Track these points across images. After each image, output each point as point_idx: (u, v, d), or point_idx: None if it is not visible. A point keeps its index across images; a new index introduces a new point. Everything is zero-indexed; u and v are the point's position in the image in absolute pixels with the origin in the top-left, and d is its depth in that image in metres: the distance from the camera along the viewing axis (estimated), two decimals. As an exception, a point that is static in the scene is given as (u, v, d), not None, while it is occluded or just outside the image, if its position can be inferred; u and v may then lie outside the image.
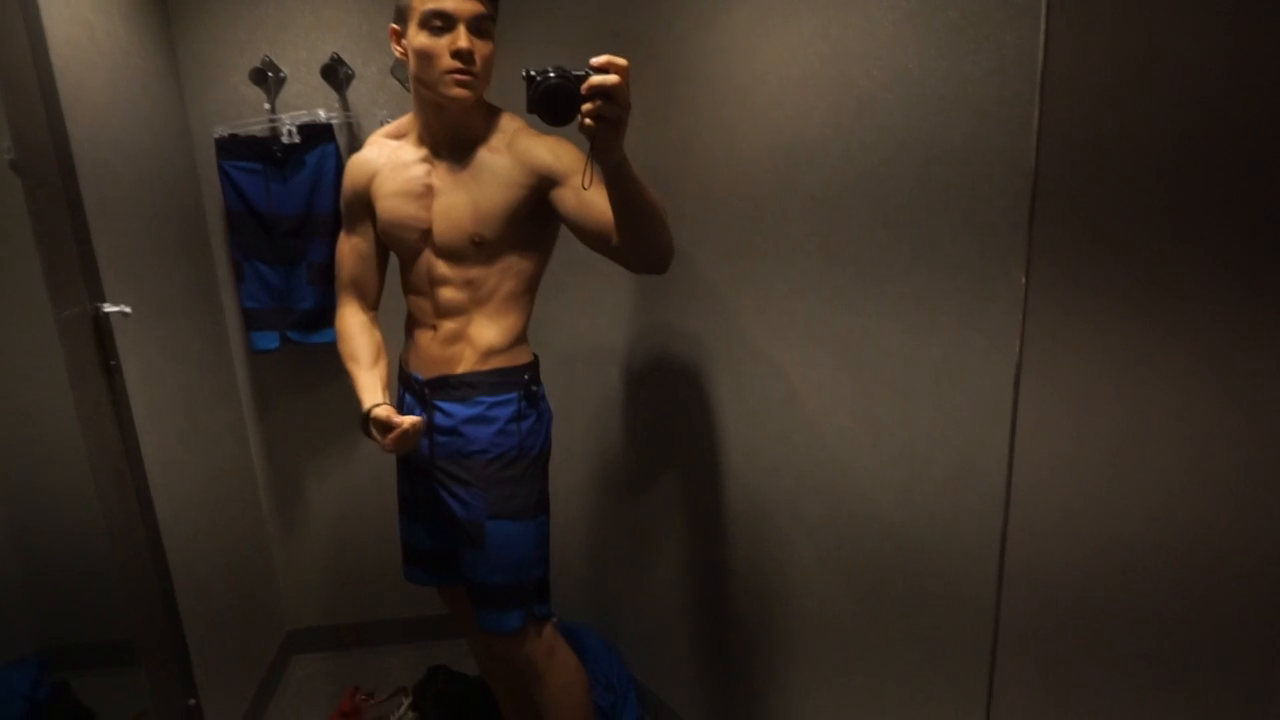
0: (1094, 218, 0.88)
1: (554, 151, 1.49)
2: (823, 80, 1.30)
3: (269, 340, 2.15)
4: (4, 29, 1.43)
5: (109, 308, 1.63)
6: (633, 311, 1.99)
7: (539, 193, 1.51)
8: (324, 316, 2.14)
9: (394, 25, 1.51)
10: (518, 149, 1.51)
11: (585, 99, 1.12)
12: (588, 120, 1.14)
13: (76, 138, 1.60)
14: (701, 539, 1.87)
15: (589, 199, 1.42)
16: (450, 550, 1.75)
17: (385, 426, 1.52)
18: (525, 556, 1.65)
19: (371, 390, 1.63)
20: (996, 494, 1.09)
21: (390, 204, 1.60)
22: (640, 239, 1.36)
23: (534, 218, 1.54)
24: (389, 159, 1.61)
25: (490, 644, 1.71)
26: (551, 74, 1.14)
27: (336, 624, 2.49)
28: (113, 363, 1.66)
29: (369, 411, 1.56)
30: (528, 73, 1.17)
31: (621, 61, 1.12)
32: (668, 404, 1.90)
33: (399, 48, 1.51)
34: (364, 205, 1.65)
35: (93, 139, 1.66)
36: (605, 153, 1.20)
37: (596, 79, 1.10)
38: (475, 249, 1.54)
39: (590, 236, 1.45)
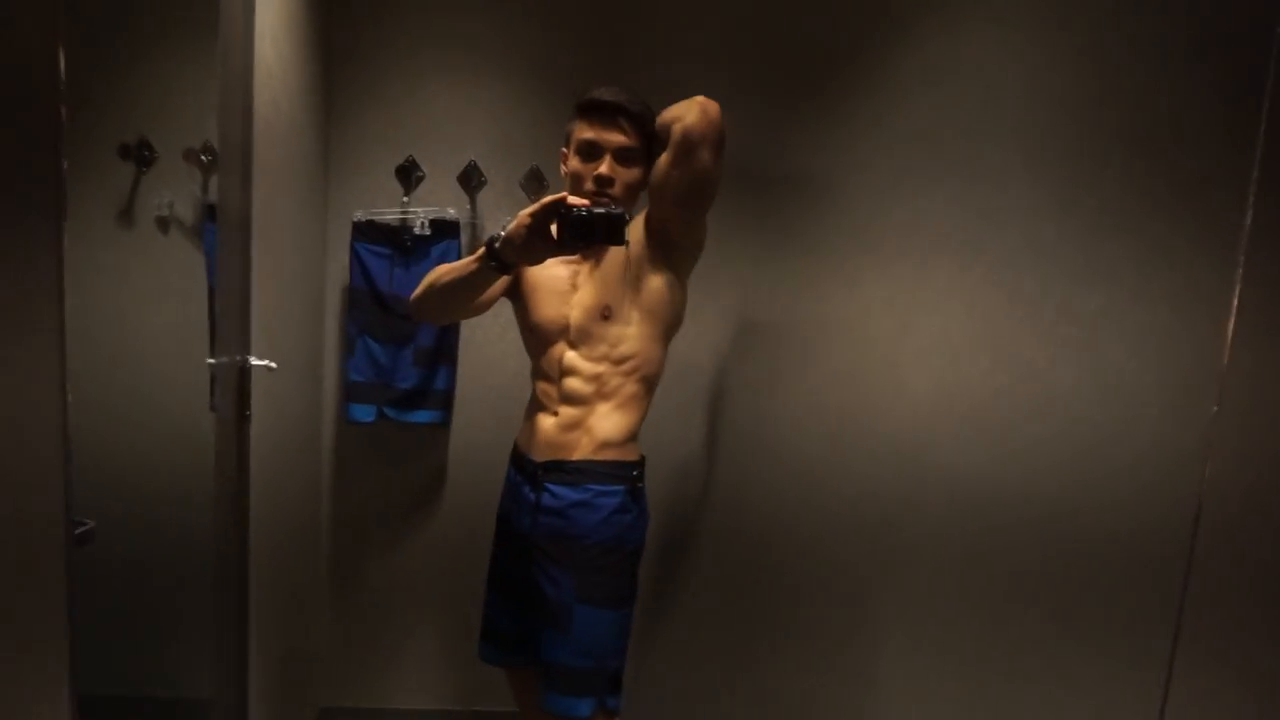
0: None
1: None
2: (953, 237, 1.47)
3: (366, 413, 2.25)
4: (229, 106, 1.61)
5: (255, 360, 1.74)
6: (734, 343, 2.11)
7: (653, 253, 1.67)
8: (422, 398, 2.25)
9: (563, 149, 1.71)
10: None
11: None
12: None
13: (255, 202, 1.75)
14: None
15: (653, 179, 1.62)
16: (531, 631, 1.78)
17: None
18: (607, 645, 1.70)
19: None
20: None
21: (537, 296, 1.74)
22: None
23: (654, 286, 1.68)
24: None
25: (553, 730, 1.72)
26: (582, 211, 1.45)
27: (374, 707, 2.45)
28: (247, 413, 1.75)
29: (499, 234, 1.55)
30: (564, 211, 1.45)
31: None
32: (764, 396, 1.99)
33: (565, 167, 1.70)
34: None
35: (264, 204, 1.81)
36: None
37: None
38: (603, 324, 1.67)
39: (666, 172, 1.59)
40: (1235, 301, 1.12)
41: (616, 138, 1.62)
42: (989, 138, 1.73)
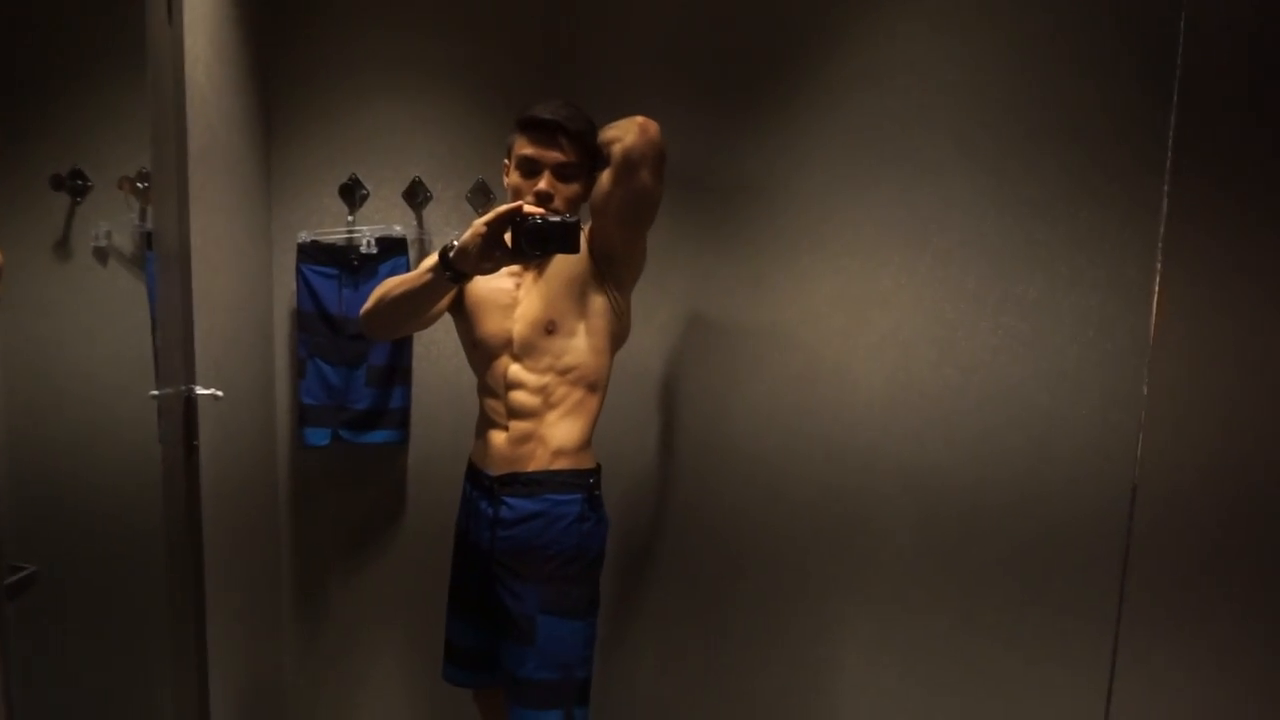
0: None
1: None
2: (898, 235, 1.50)
3: (321, 436, 2.22)
4: (161, 133, 1.58)
5: (201, 390, 1.71)
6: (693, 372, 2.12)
7: (595, 269, 1.68)
8: (377, 418, 2.23)
9: (505, 161, 1.71)
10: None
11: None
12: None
13: (194, 230, 1.73)
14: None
15: (594, 198, 1.64)
16: (493, 648, 1.78)
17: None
18: (573, 655, 1.69)
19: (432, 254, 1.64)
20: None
21: (480, 311, 1.74)
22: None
23: (598, 303, 1.69)
24: None
25: (524, 746, 1.71)
26: (537, 220, 1.47)
27: (342, 736, 2.42)
28: (195, 443, 1.72)
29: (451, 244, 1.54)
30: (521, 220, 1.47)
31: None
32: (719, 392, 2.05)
33: (506, 179, 1.70)
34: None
35: (203, 231, 1.79)
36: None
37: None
38: (548, 338, 1.67)
39: (607, 191, 1.61)
40: (1156, 284, 1.16)
41: (555, 155, 1.62)
42: (927, 135, 1.76)
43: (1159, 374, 1.21)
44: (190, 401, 1.70)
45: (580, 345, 1.69)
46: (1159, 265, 1.17)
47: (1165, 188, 1.13)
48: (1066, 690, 1.67)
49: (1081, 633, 1.57)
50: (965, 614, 1.79)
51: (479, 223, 1.49)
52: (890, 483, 1.87)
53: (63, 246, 1.74)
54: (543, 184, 1.62)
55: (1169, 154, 1.10)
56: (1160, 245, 1.14)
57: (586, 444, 1.75)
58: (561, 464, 1.70)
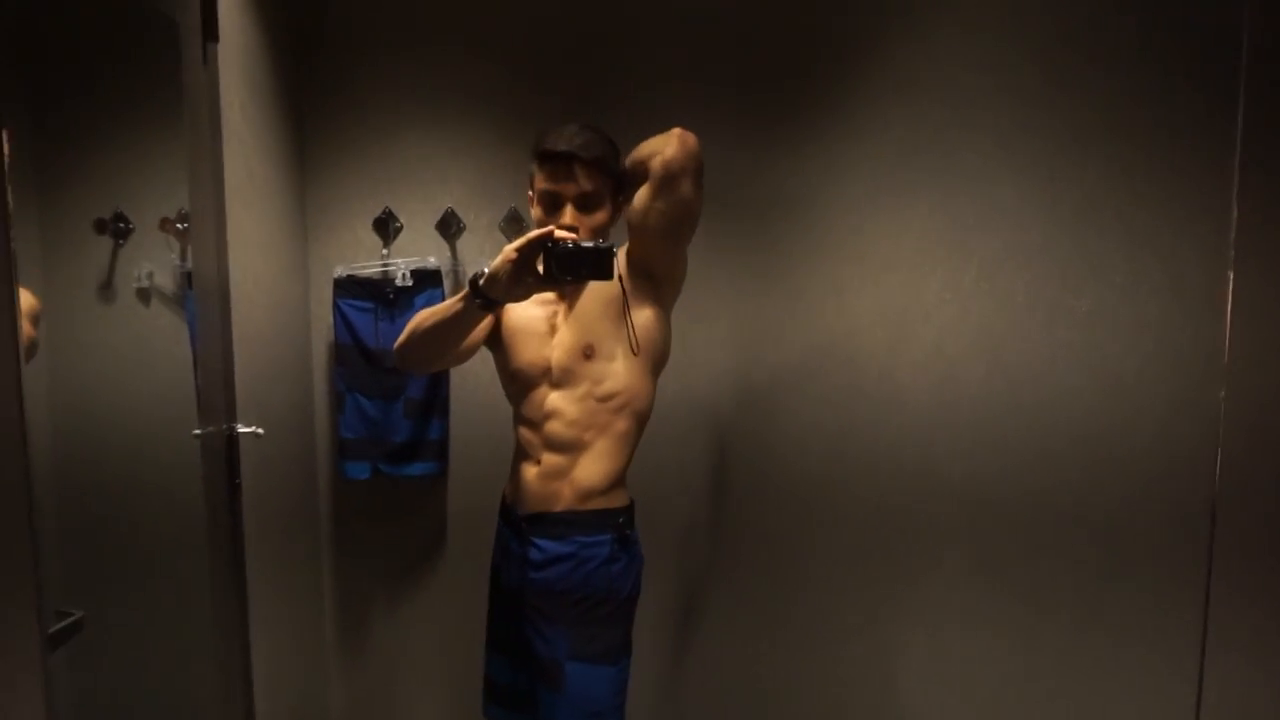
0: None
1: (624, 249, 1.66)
2: (941, 245, 1.46)
3: (361, 470, 2.21)
4: (199, 173, 1.60)
5: (242, 428, 1.71)
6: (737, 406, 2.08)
7: (634, 288, 1.63)
8: (415, 450, 2.22)
9: (530, 192, 1.68)
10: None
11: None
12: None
13: (232, 267, 1.74)
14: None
15: (633, 213, 1.58)
16: (533, 684, 1.73)
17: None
18: (604, 703, 1.63)
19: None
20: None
21: (517, 340, 1.71)
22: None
23: (637, 324, 1.64)
24: None
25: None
26: (570, 245, 1.43)
27: (388, 771, 2.40)
28: (237, 481, 1.72)
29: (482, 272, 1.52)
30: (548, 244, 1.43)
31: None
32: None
33: (533, 211, 1.68)
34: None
35: (242, 269, 1.80)
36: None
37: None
38: (586, 363, 1.63)
39: (647, 206, 1.55)
40: (1230, 289, 1.11)
41: (573, 188, 1.58)
42: (967, 140, 1.72)
43: (1236, 383, 1.14)
44: (232, 439, 1.71)
45: (619, 369, 1.65)
46: (1231, 271, 1.11)
47: (1235, 188, 1.08)
48: (1137, 713, 1.59)
49: (1157, 654, 1.49)
50: (1027, 634, 1.72)
51: (509, 248, 1.46)
52: (942, 500, 1.81)
53: (107, 288, 1.76)
54: (566, 218, 1.57)
55: (1238, 150, 1.05)
56: (1233, 251, 1.08)
57: (618, 481, 1.69)
58: (591, 504, 1.64)
